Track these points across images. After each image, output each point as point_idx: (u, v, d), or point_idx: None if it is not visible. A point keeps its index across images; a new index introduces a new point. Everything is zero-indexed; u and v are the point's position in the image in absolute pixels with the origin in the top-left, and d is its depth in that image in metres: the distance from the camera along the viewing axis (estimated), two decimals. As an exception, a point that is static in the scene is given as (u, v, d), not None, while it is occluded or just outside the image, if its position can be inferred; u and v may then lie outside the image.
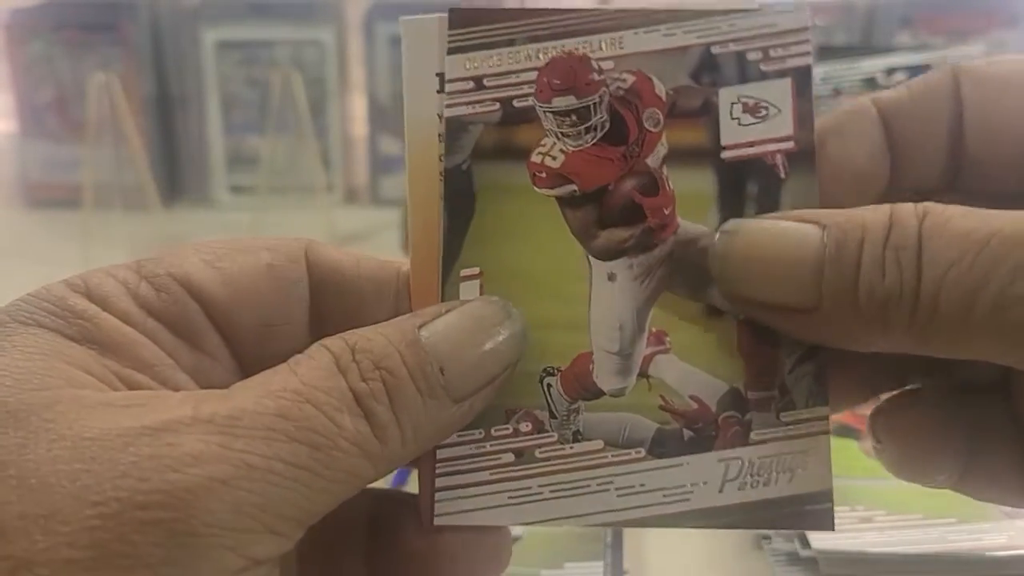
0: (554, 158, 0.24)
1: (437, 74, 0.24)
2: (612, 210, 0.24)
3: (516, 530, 0.40)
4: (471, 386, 0.22)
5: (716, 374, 0.24)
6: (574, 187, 0.24)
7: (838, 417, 0.26)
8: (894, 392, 0.26)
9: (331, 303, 0.24)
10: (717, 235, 0.23)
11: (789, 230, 0.22)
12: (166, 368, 0.22)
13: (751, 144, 0.24)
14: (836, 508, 0.23)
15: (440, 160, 0.24)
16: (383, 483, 0.24)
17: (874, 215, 0.22)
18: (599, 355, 0.24)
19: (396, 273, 0.24)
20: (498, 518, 0.24)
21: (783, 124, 0.24)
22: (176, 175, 0.96)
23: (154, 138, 0.92)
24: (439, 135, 0.24)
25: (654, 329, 0.24)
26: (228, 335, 0.23)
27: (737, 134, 0.24)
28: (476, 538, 0.24)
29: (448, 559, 0.24)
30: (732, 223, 0.23)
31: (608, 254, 0.24)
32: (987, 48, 0.73)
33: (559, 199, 0.24)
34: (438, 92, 0.24)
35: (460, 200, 0.24)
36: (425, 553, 0.24)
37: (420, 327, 0.22)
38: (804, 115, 0.24)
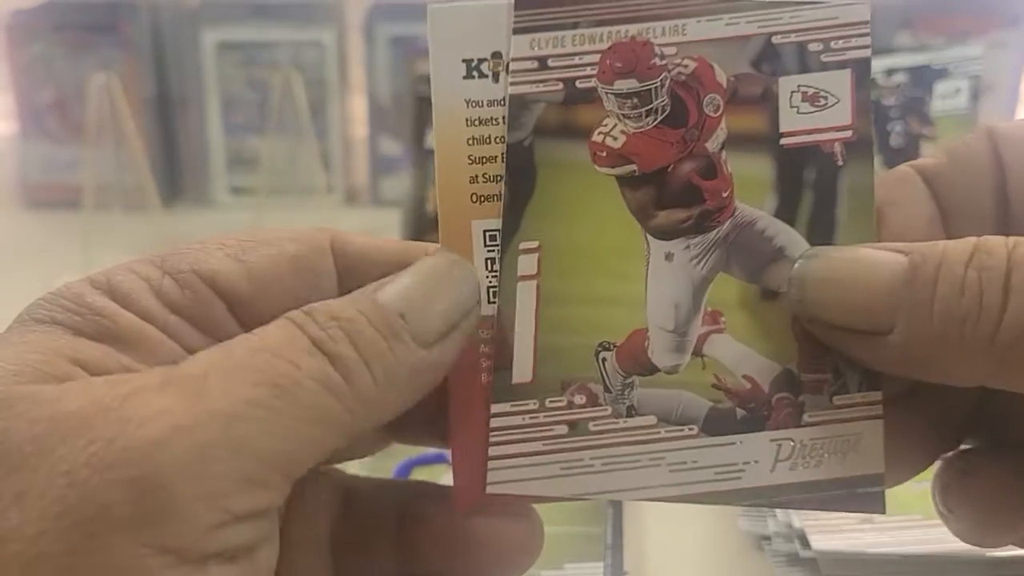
0: (615, 138, 0.24)
1: (463, 60, 0.24)
2: (671, 191, 0.24)
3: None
4: (434, 330, 0.22)
5: (770, 355, 0.24)
6: (634, 167, 0.24)
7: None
8: (951, 454, 0.26)
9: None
10: (798, 261, 0.23)
11: (869, 255, 0.23)
12: None
13: (809, 132, 0.24)
14: (837, 510, 0.23)
15: (468, 144, 0.24)
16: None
17: (957, 242, 0.22)
18: (654, 332, 0.24)
19: (424, 254, 0.24)
20: (550, 489, 0.24)
21: (842, 113, 0.24)
22: (176, 176, 0.96)
23: (154, 139, 0.92)
24: (466, 119, 0.24)
25: (710, 309, 0.24)
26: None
27: (796, 122, 0.24)
28: (506, 525, 0.24)
29: (478, 547, 0.24)
30: (813, 249, 0.24)
31: (666, 234, 0.24)
32: (987, 48, 0.73)
33: (618, 178, 0.24)
34: (464, 78, 0.24)
35: (521, 175, 0.24)
36: (455, 541, 0.24)
37: (375, 291, 0.22)
38: (862, 105, 0.24)
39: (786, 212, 0.24)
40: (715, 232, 0.24)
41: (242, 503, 0.19)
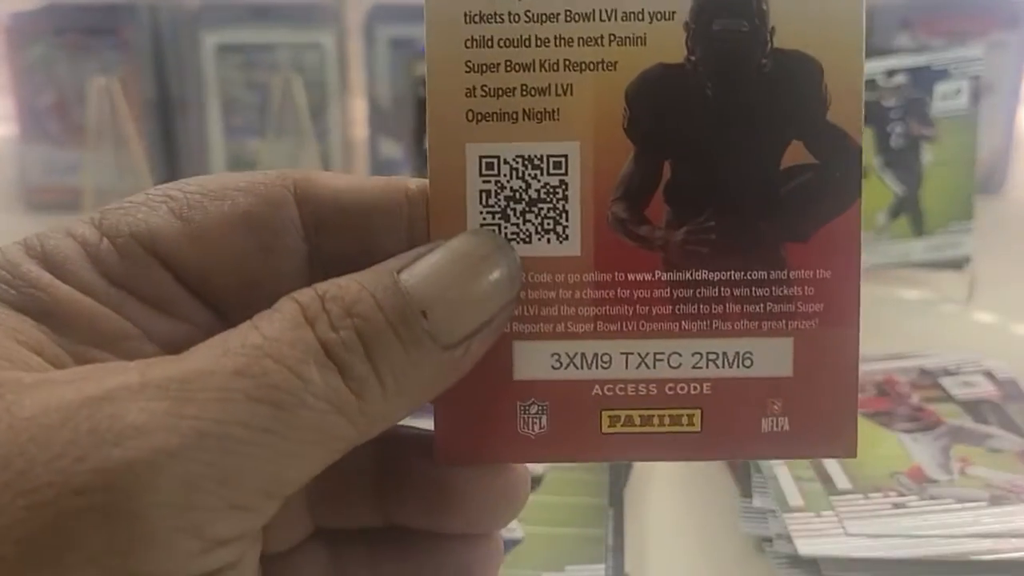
0: None
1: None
2: None
3: (517, 533, 0.40)
4: (462, 330, 0.19)
5: None
6: None
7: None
8: None
9: (334, 243, 0.21)
10: None
11: None
12: (132, 341, 0.20)
13: None
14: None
15: (465, 47, 0.21)
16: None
17: None
18: None
19: (404, 194, 0.21)
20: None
21: None
22: (176, 178, 0.95)
23: (154, 142, 0.92)
24: (464, 15, 0.21)
25: None
26: (206, 298, 0.21)
27: None
28: (488, 476, 0.23)
29: (460, 497, 0.23)
30: None
31: None
32: (987, 49, 0.73)
33: None
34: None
35: None
36: (437, 493, 0.23)
37: (399, 271, 0.19)
38: None
39: None
40: None
41: (227, 530, 0.17)
